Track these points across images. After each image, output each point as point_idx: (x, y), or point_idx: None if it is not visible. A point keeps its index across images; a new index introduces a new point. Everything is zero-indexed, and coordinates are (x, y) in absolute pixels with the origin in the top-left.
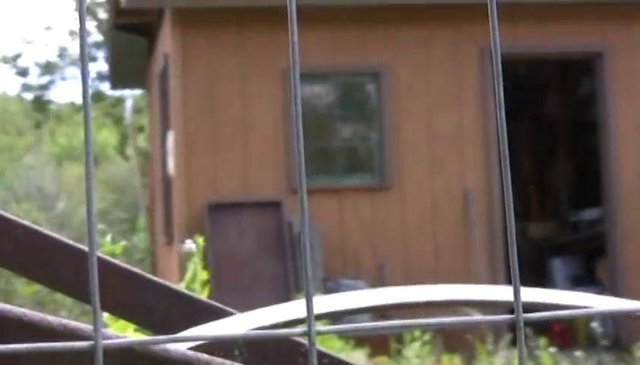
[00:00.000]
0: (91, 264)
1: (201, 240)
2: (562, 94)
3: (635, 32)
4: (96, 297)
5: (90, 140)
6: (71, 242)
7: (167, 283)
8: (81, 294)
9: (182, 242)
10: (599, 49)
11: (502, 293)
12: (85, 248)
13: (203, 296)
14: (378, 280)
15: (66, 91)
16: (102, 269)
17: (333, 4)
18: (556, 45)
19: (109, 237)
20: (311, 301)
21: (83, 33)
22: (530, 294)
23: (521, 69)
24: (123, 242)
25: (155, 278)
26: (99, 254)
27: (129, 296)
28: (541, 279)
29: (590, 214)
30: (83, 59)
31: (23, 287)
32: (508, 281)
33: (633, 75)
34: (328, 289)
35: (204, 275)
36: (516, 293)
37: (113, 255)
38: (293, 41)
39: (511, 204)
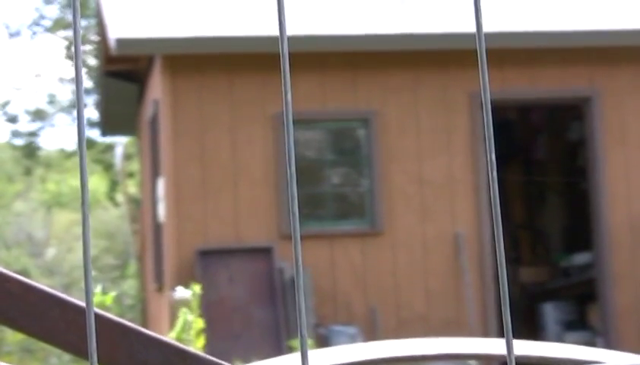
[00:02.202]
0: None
1: (197, 288)
2: (551, 139)
3: (623, 76)
4: (94, 359)
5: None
6: (66, 297)
7: (161, 337)
8: (77, 349)
9: (173, 289)
10: (588, 93)
11: (495, 346)
12: (81, 303)
13: (198, 345)
14: (370, 325)
15: (56, 138)
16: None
17: (322, 50)
18: (545, 90)
19: (99, 287)
20: (306, 358)
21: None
22: (523, 347)
23: (510, 114)
24: (113, 292)
25: (149, 332)
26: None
27: (122, 350)
28: (532, 324)
29: (581, 258)
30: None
31: (12, 334)
32: (500, 328)
33: (622, 120)
34: (320, 335)
35: (199, 323)
36: (509, 347)
37: (104, 305)
38: (285, 87)
39: (503, 254)
